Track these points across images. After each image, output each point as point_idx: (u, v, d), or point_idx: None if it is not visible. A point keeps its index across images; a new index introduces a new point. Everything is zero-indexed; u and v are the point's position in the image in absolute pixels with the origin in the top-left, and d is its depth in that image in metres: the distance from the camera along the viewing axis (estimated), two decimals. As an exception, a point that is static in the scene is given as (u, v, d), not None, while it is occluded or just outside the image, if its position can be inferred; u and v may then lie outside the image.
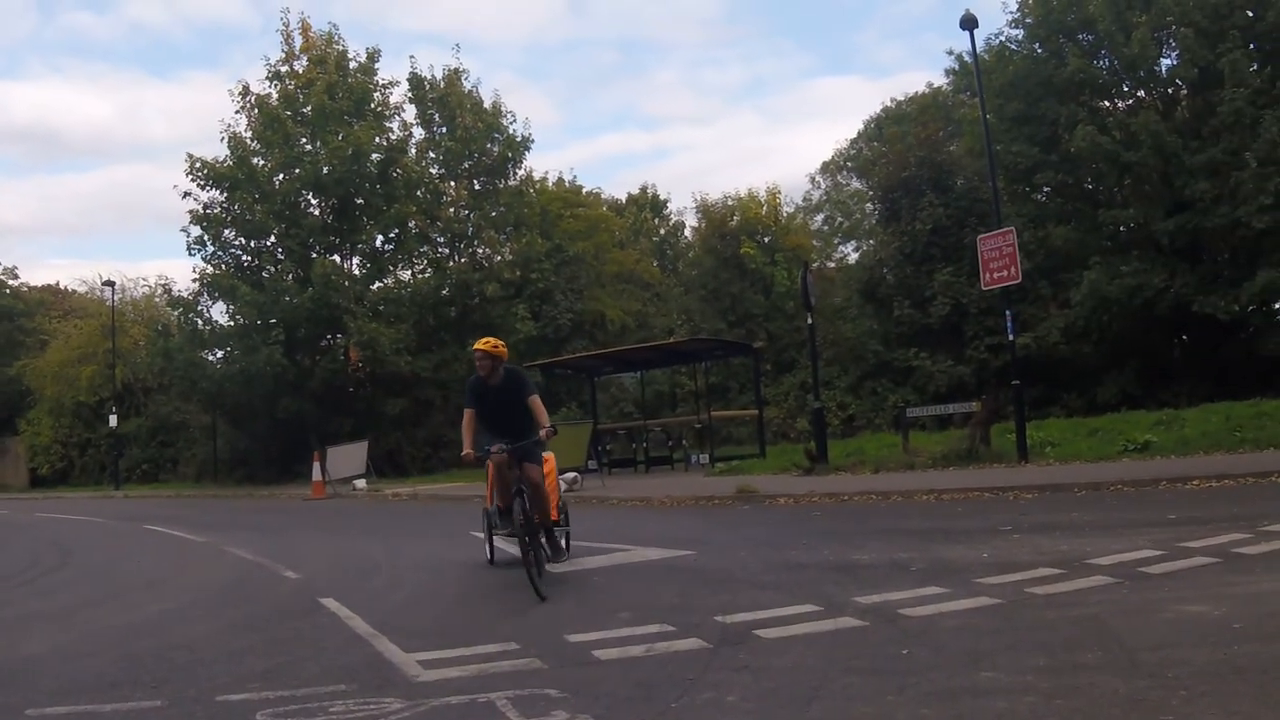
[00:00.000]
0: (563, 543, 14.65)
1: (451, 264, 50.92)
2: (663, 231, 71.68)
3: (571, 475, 27.18)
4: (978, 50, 29.54)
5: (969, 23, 26.07)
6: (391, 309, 47.22)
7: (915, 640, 8.26)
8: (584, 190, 58.34)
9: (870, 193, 58.34)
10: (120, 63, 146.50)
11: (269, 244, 49.17)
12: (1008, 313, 25.14)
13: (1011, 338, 25.40)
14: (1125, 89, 40.74)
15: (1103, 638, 7.84)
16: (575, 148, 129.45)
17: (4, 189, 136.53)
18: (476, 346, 13.27)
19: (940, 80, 62.59)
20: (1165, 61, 38.98)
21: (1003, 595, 9.74)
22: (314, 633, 10.73)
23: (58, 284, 78.37)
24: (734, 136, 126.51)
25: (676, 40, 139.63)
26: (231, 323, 48.22)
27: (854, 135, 73.57)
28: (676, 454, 36.23)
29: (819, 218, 71.77)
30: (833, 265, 59.31)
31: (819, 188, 74.87)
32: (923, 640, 8.24)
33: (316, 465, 36.52)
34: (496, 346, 13.31)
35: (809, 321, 28.83)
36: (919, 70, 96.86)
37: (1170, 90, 39.66)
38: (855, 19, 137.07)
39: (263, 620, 11.78)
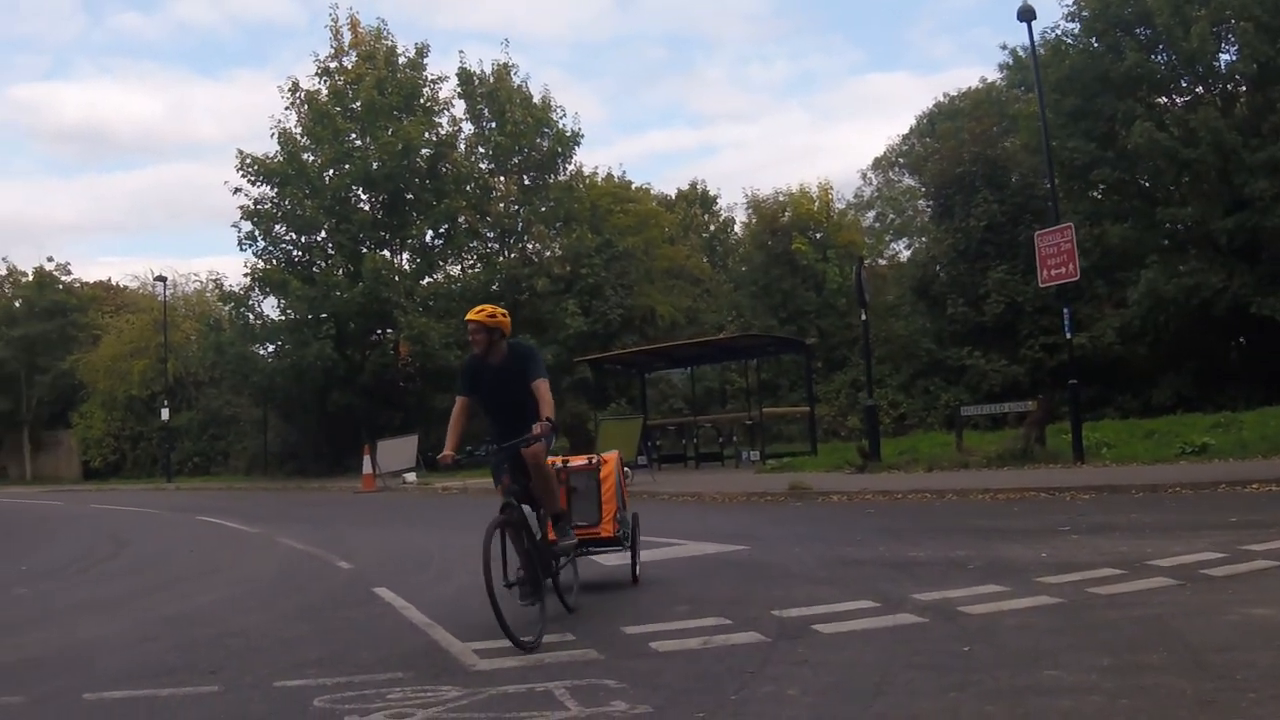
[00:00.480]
0: (632, 562, 12.43)
1: (501, 259, 51.02)
2: (712, 228, 71.55)
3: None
4: (1035, 43, 29.31)
5: (1027, 14, 25.78)
6: (441, 304, 47.36)
7: (976, 638, 8.16)
8: (633, 186, 58.31)
9: (922, 189, 58.10)
10: (168, 62, 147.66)
11: (319, 239, 49.56)
12: (1065, 310, 24.80)
13: (1069, 336, 25.07)
14: (1183, 85, 40.31)
15: (1167, 639, 7.72)
16: (623, 144, 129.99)
17: (56, 188, 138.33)
18: (469, 316, 10.41)
19: (992, 75, 62.31)
20: (1224, 57, 38.51)
21: (1063, 595, 9.62)
22: (369, 622, 10.81)
23: (109, 280, 79.23)
24: (782, 133, 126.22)
25: (724, 36, 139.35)
26: (283, 317, 48.55)
27: (905, 131, 73.24)
28: (727, 451, 36.11)
29: (870, 215, 71.44)
30: (884, 263, 59.04)
31: (870, 184, 74.63)
32: (984, 638, 8.15)
33: (367, 458, 36.69)
34: (494, 315, 10.26)
35: (863, 318, 28.67)
36: (969, 66, 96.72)
37: (1229, 86, 39.19)
38: (904, 14, 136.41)
39: (317, 609, 11.87)
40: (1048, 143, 28.28)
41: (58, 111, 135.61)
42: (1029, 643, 7.90)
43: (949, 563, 11.92)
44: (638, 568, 12.39)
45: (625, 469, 13.02)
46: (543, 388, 10.09)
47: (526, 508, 10.06)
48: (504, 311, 10.42)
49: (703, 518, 19.88)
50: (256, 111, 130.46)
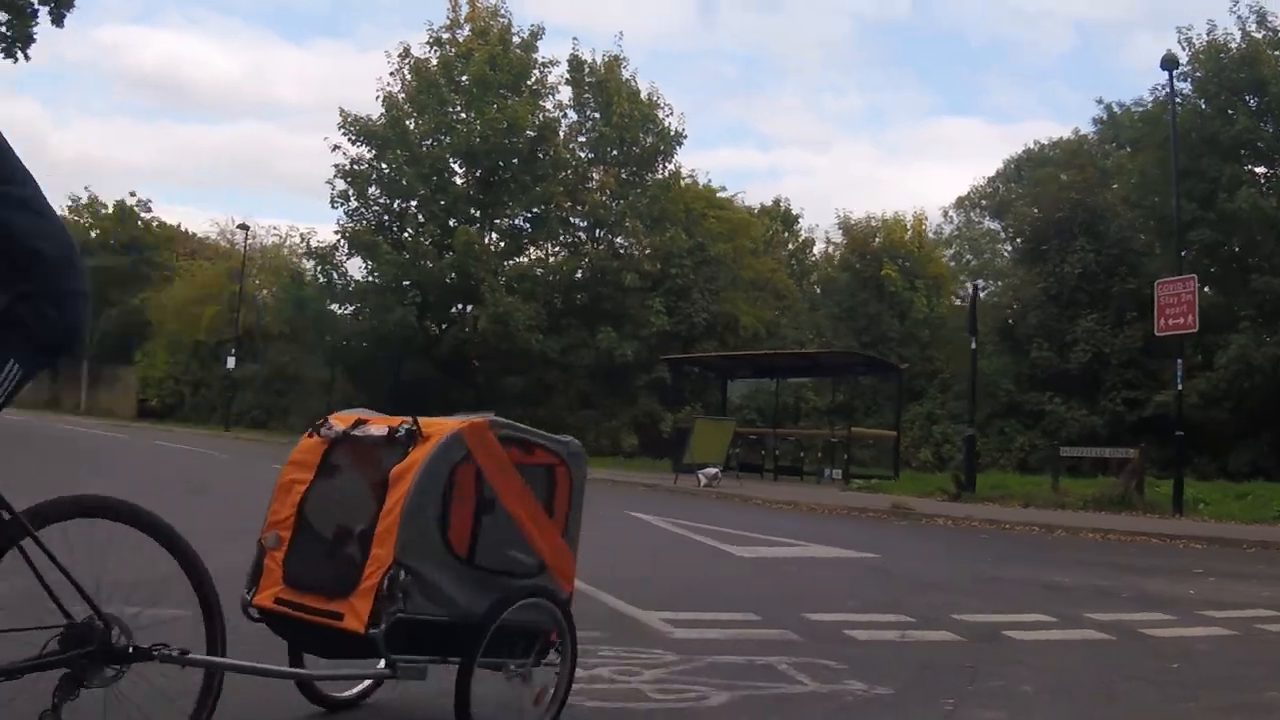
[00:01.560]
0: None
1: (588, 249, 51.13)
2: (791, 246, 71.42)
3: (712, 471, 27.22)
4: (1173, 95, 29.61)
5: (1170, 62, 26.25)
6: (526, 286, 47.37)
7: (1175, 658, 8.13)
8: (719, 194, 57.99)
9: (1003, 234, 58.13)
10: (252, 21, 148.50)
11: (411, 206, 49.78)
12: (1179, 361, 24.87)
13: (1179, 388, 25.11)
14: (1288, 155, 40.31)
15: (1369, 675, 7.71)
16: (690, 158, 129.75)
17: (130, 134, 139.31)
18: None
19: (1067, 129, 62.46)
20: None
21: (1235, 628, 9.59)
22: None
23: (179, 226, 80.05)
24: (847, 164, 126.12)
25: (800, 63, 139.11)
26: (370, 279, 48.74)
27: (991, 174, 73.30)
28: (807, 466, 35.98)
29: (948, 253, 71.46)
30: (959, 302, 58.90)
31: (951, 222, 74.76)
32: (1182, 659, 8.11)
33: (439, 433, 36.65)
34: None
35: (972, 346, 28.64)
36: (1041, 119, 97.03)
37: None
38: (982, 62, 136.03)
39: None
40: (1177, 186, 28.32)
41: (139, 57, 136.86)
42: (1230, 667, 7.88)
43: (1097, 590, 11.85)
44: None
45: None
46: None
47: None
48: None
49: (810, 525, 19.77)
50: (334, 81, 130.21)
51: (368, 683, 5.70)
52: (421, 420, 5.14)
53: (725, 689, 6.45)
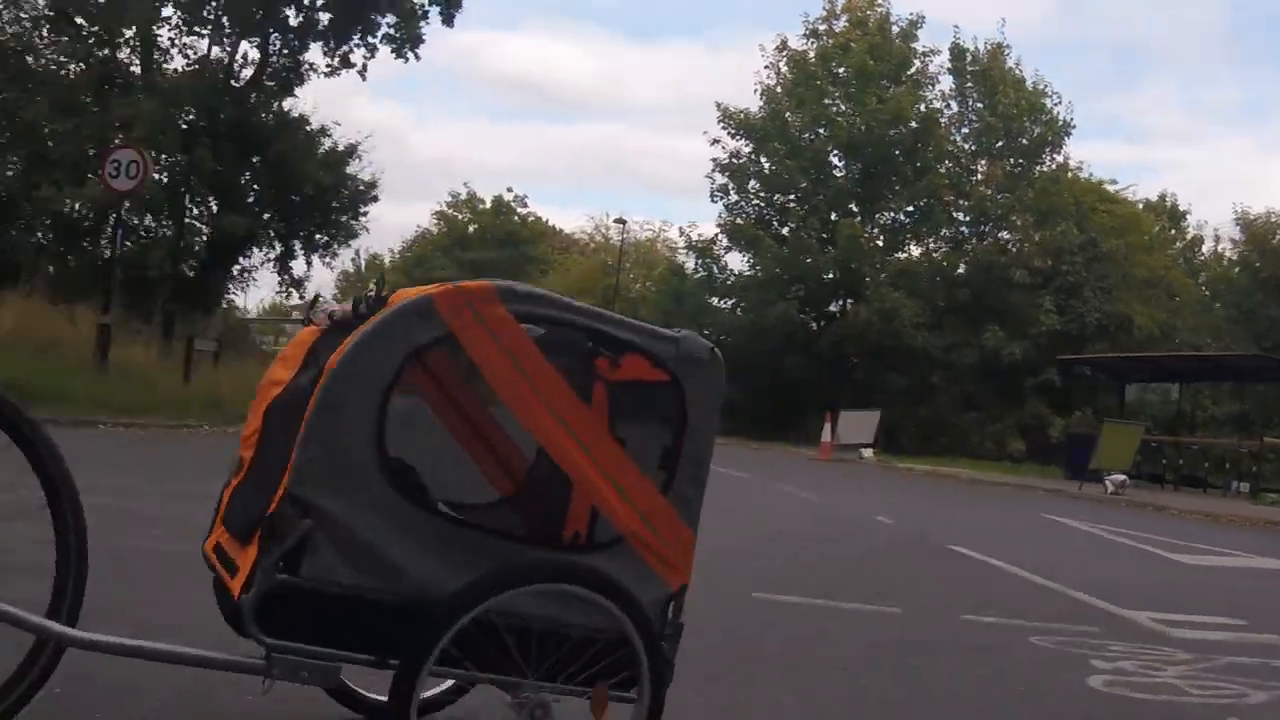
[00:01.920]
0: None
1: (972, 244, 50.16)
2: (1178, 244, 68.63)
3: (1120, 478, 26.25)
4: None
5: None
6: (908, 282, 46.71)
7: None
8: (1107, 186, 56.06)
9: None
10: (607, 25, 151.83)
11: (791, 200, 49.76)
12: None
13: None
14: None
15: None
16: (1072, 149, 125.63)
17: (488, 134, 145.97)
18: None
19: None
20: None
21: None
22: (987, 574, 10.51)
23: (548, 222, 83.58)
24: (1222, 158, 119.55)
25: (1173, 52, 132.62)
26: (752, 273, 48.93)
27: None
28: (1213, 477, 34.15)
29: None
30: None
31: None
32: None
33: (827, 427, 35.98)
34: None
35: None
36: None
37: None
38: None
39: (910, 555, 11.66)
40: None
41: (498, 60, 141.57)
42: None
43: None
44: None
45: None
46: None
47: None
48: None
49: (1240, 537, 18.43)
50: (686, 80, 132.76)
51: (445, 685, 3.85)
52: (406, 291, 3.28)
53: (1260, 689, 6.20)
